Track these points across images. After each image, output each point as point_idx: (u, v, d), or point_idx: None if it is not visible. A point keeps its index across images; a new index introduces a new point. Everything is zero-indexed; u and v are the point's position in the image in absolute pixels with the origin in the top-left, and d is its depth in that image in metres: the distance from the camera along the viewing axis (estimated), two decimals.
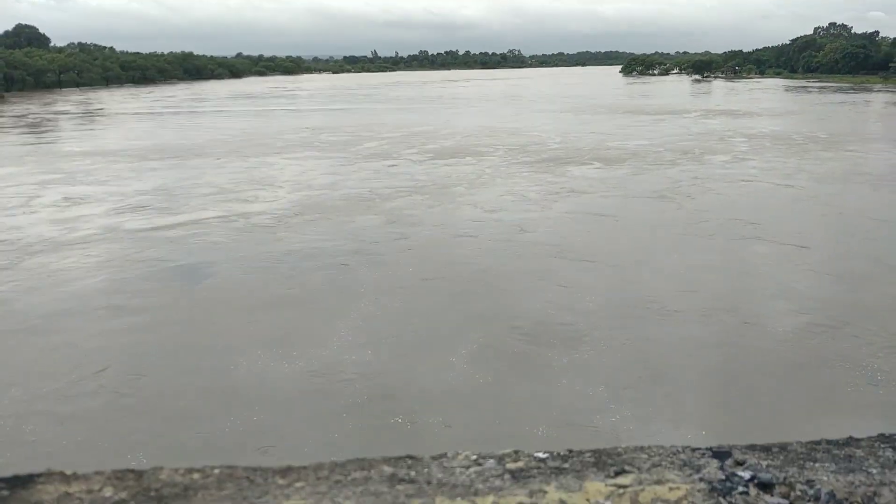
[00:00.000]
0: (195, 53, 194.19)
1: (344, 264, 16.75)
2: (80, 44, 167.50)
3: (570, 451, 1.52)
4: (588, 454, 1.50)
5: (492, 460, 1.48)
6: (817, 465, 1.49)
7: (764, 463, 1.49)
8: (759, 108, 65.09)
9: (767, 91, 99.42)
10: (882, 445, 1.54)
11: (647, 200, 23.71)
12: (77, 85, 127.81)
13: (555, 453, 1.51)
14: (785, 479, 1.43)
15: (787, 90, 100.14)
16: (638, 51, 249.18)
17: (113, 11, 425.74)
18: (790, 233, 19.27)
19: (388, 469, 1.42)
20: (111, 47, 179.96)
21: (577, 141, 40.66)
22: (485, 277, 15.75)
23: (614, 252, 17.59)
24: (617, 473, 1.44)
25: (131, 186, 27.20)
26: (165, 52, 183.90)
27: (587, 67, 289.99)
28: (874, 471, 1.45)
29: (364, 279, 15.58)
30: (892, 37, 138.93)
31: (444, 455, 1.53)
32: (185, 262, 17.07)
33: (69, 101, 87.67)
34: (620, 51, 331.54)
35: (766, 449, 1.53)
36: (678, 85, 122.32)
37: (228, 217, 21.73)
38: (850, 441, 1.56)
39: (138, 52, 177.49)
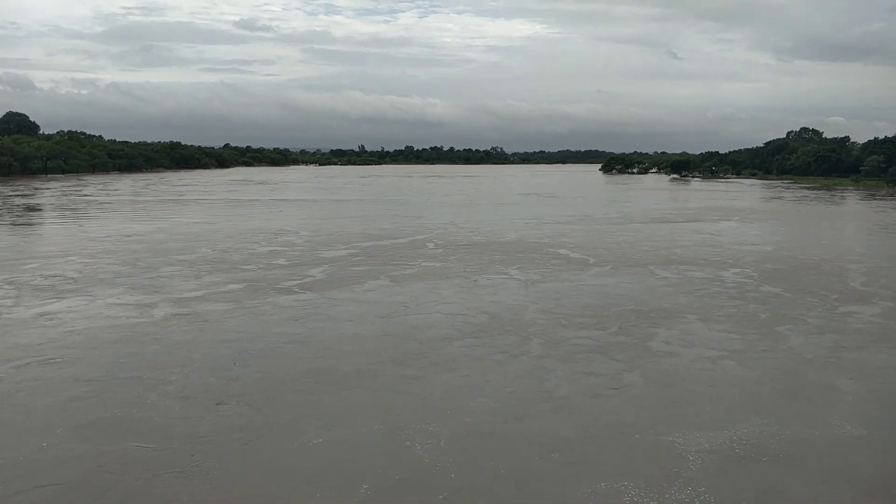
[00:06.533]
0: (183, 143, 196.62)
1: None
2: (69, 132, 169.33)
3: None
4: None
5: None
6: None
7: None
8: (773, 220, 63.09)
9: (749, 192, 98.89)
10: None
11: None
12: (63, 171, 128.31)
13: None
14: None
15: (795, 199, 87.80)
16: (616, 149, 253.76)
17: (82, 101, 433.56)
18: None
19: None
20: (100, 136, 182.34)
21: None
22: None
23: None
24: None
25: None
26: (154, 142, 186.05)
27: (567, 165, 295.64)
28: None
29: None
30: (859, 142, 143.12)
31: None
32: None
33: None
34: (599, 150, 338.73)
35: None
36: (663, 186, 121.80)
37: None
38: None
39: (126, 141, 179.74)
